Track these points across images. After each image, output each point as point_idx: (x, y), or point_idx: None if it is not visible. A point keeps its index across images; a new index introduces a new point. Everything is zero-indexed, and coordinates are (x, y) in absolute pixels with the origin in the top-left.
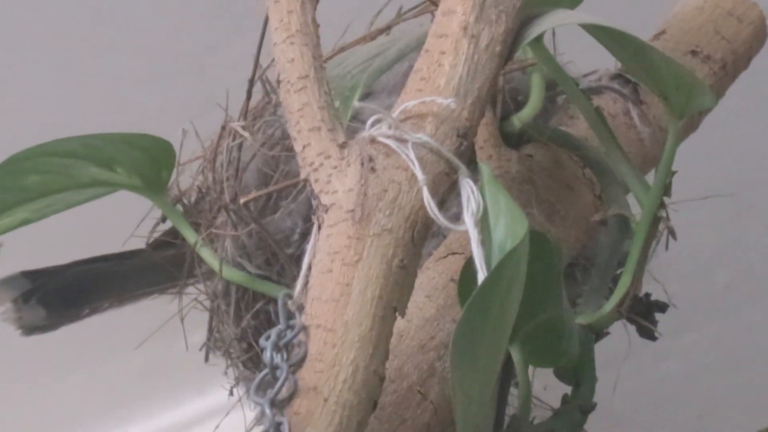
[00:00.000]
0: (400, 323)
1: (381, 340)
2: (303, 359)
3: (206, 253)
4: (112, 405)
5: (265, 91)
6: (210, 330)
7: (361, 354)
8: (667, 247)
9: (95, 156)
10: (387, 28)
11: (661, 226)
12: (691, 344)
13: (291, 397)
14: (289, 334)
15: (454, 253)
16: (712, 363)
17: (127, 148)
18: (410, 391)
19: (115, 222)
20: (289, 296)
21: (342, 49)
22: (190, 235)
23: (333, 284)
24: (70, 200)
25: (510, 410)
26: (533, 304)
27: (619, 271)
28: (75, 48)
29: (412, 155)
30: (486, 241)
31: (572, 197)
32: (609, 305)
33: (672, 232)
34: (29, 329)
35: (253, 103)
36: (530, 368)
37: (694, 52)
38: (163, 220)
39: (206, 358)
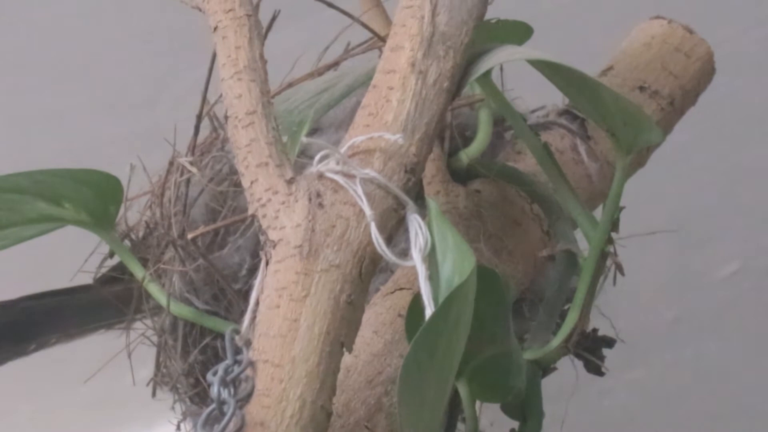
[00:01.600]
0: (347, 358)
1: (328, 376)
2: (250, 394)
3: (154, 289)
4: None
5: (213, 126)
6: (157, 365)
7: (309, 389)
8: (614, 282)
9: (43, 191)
10: (335, 64)
11: (608, 262)
12: (638, 378)
13: None
14: (237, 369)
15: (401, 289)
16: (659, 396)
17: (75, 184)
18: (358, 426)
19: (62, 257)
20: (237, 331)
21: (290, 85)
22: (137, 271)
23: (280, 320)
24: (17, 236)
25: None
26: (481, 340)
27: (566, 307)
28: (23, 77)
29: (360, 191)
30: (434, 276)
31: (520, 233)
32: (556, 340)
33: (620, 268)
34: None
35: (200, 138)
36: (477, 403)
37: (641, 88)
38: (111, 255)
39: (153, 393)
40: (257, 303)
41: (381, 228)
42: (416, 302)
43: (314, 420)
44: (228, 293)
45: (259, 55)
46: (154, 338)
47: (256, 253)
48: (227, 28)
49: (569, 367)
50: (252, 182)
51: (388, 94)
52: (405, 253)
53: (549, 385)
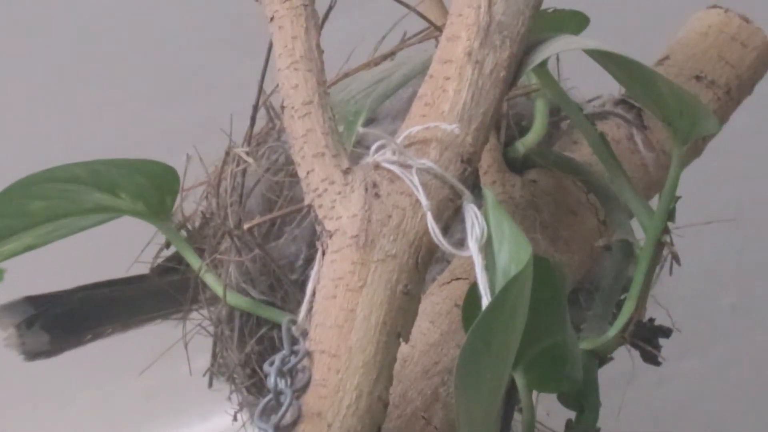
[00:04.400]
0: (404, 349)
1: (385, 366)
2: (307, 385)
3: (210, 279)
4: (116, 429)
5: (269, 116)
6: (214, 355)
7: (365, 380)
8: (671, 272)
9: (99, 182)
10: (391, 54)
11: (665, 251)
12: (694, 368)
13: (295, 423)
14: (293, 359)
15: (458, 279)
16: (715, 386)
17: (131, 174)
18: (414, 417)
19: (118, 248)
20: (293, 322)
21: (346, 75)
22: (194, 261)
23: (337, 310)
24: (74, 226)
25: None
26: (537, 330)
27: (623, 297)
28: (80, 69)
29: (416, 181)
30: (490, 266)
31: (576, 222)
32: (613, 330)
33: (676, 257)
34: (32, 354)
35: (257, 128)
36: (534, 393)
37: (698, 78)
38: (167, 245)
39: (210, 384)
40: (314, 293)
41: (437, 218)
42: (473, 292)
43: (371, 410)
44: (284, 283)
45: (315, 45)
46: (211, 328)
47: (312, 244)
48: (284, 18)
49: (626, 357)
50: (308, 172)
51: (444, 84)
52: (461, 243)
53: (605, 375)
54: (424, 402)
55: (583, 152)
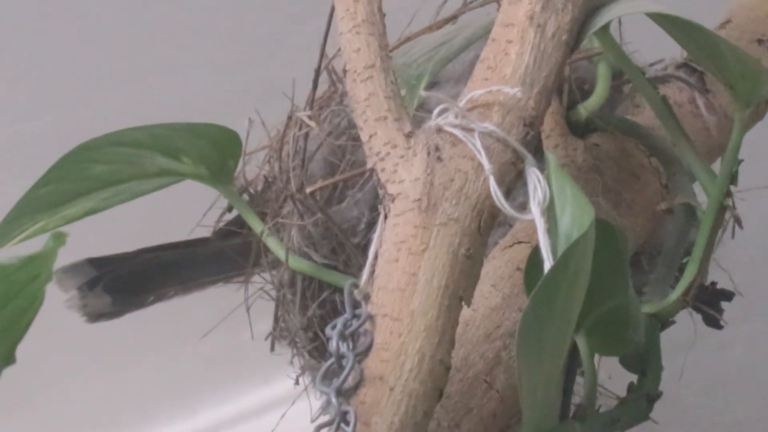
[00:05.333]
0: (465, 312)
1: (447, 330)
2: (369, 348)
3: (272, 243)
4: (177, 393)
5: (331, 80)
6: (276, 319)
7: (427, 343)
8: (733, 236)
9: (162, 146)
10: (453, 17)
11: (727, 215)
12: (757, 332)
13: (357, 387)
14: (355, 323)
15: (520, 243)
16: None
17: (193, 138)
18: (476, 380)
19: (181, 211)
20: (355, 285)
21: (408, 39)
22: (256, 225)
23: (399, 273)
24: (136, 190)
25: (575, 399)
26: (599, 293)
27: (685, 260)
28: (141, 34)
29: (478, 144)
30: (552, 230)
31: (638, 186)
32: (675, 294)
33: (738, 221)
34: (94, 316)
35: (319, 92)
36: (596, 357)
37: (760, 41)
38: (230, 209)
39: (272, 348)
40: (376, 257)
41: (499, 181)
42: (535, 256)
43: (433, 374)
44: (346, 247)
45: (377, 8)
46: (273, 292)
47: (374, 207)
48: None
49: (688, 321)
50: (371, 136)
51: (506, 47)
52: (523, 207)
53: (667, 338)
54: (486, 366)
55: (645, 116)
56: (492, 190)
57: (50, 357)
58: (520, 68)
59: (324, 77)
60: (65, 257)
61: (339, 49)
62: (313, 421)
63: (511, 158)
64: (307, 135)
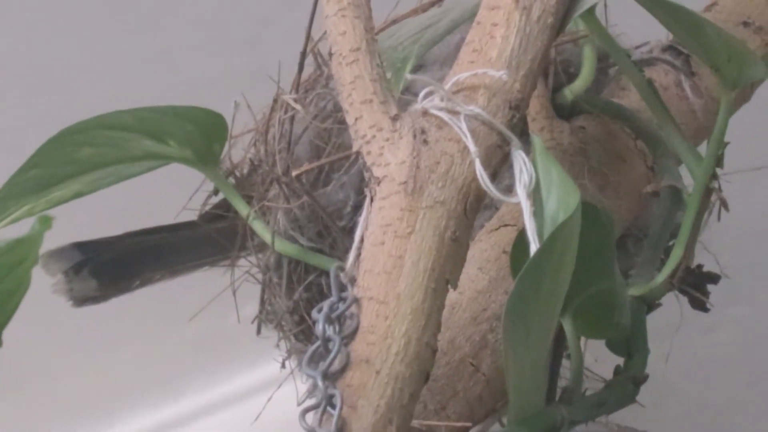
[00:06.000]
0: (452, 295)
1: (433, 313)
2: (355, 331)
3: (258, 226)
4: (164, 377)
5: (316, 63)
6: (262, 303)
7: (414, 326)
8: (719, 218)
9: (147, 129)
10: (439, 0)
11: (713, 198)
12: (742, 315)
13: (343, 370)
14: (342, 306)
15: (506, 225)
16: (763, 333)
17: (179, 121)
18: (462, 363)
19: (167, 195)
20: (341, 269)
21: (394, 22)
22: (242, 208)
23: (385, 256)
24: (122, 173)
25: (562, 382)
26: (585, 276)
27: (671, 243)
28: (127, 18)
29: (464, 127)
30: (538, 212)
31: (624, 169)
32: (661, 277)
33: (724, 203)
34: (80, 300)
35: (304, 75)
36: (582, 340)
37: (745, 24)
38: (216, 192)
39: (258, 331)
40: (362, 240)
41: (485, 164)
42: (521, 238)
43: (419, 357)
44: (332, 230)
45: None
46: (259, 276)
47: (360, 190)
48: None
49: (674, 304)
50: (356, 119)
51: (492, 30)
52: (509, 190)
53: (653, 321)
54: (473, 348)
55: (631, 98)
56: (478, 173)
57: (37, 341)
58: (505, 51)
59: (310, 60)
60: (52, 241)
61: (325, 32)
62: (299, 404)
63: (497, 141)
64: (293, 118)
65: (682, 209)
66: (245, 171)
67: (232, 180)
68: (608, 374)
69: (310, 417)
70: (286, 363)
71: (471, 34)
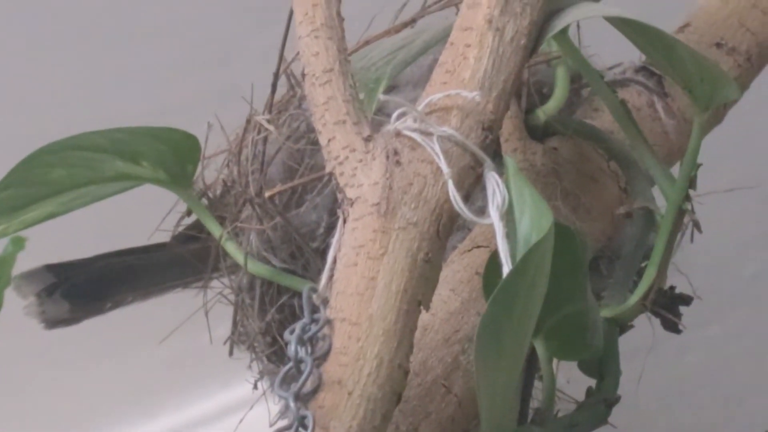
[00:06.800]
0: (424, 317)
1: (405, 334)
2: (327, 353)
3: (231, 247)
4: (136, 397)
5: (290, 84)
6: (234, 324)
7: (386, 347)
8: (692, 240)
9: (121, 150)
10: (412, 21)
11: (686, 219)
12: (715, 336)
13: (315, 391)
14: (314, 327)
15: (479, 247)
16: (736, 354)
17: (152, 142)
18: (435, 385)
19: (140, 216)
20: (314, 290)
21: (367, 43)
22: (215, 229)
23: (358, 278)
24: (95, 194)
25: (534, 403)
26: (558, 298)
27: (644, 264)
28: (100, 38)
29: (437, 148)
30: (511, 234)
31: (597, 190)
32: (634, 298)
33: (697, 225)
34: (52, 323)
35: (278, 96)
36: (554, 361)
37: (718, 45)
38: (188, 213)
39: (230, 352)
40: (335, 261)
41: (458, 185)
42: (493, 260)
43: (391, 378)
44: (305, 251)
45: (336, 12)
46: (231, 297)
47: (333, 211)
48: None
49: (646, 325)
50: (329, 140)
51: (465, 51)
52: (482, 211)
53: (626, 342)
54: (445, 370)
55: (604, 119)
56: (451, 194)
57: (8, 361)
58: (478, 72)
59: (283, 81)
60: (24, 263)
61: (298, 53)
62: (271, 425)
63: (470, 162)
64: (266, 139)
65: (655, 230)
66: (218, 192)
67: (205, 201)
68: (580, 396)
69: None
70: (259, 384)
71: (444, 55)
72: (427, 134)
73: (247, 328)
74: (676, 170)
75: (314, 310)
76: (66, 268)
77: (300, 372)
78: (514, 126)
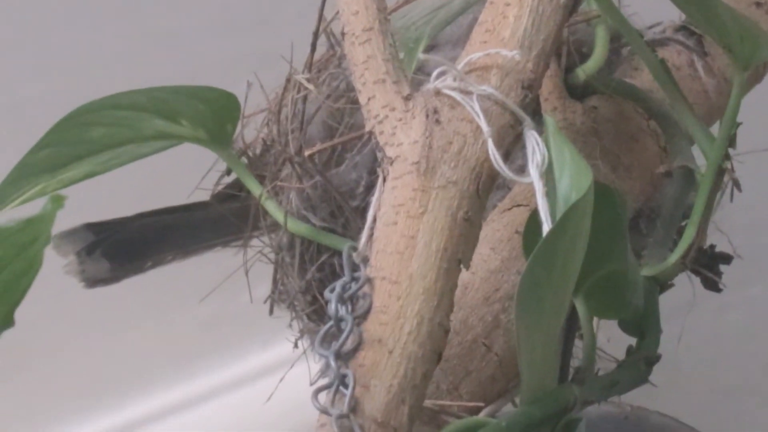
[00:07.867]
0: (464, 275)
1: (445, 293)
2: (368, 311)
3: (271, 206)
4: (176, 357)
5: (329, 43)
6: (274, 282)
7: (426, 306)
8: (732, 199)
9: (160, 109)
10: None
11: (725, 178)
12: (756, 296)
13: (356, 349)
14: (354, 286)
15: (518, 205)
16: None
17: (192, 101)
18: (475, 343)
19: (179, 175)
20: (354, 248)
21: (407, 2)
22: (254, 188)
23: (398, 236)
24: (134, 153)
25: (574, 362)
26: (598, 256)
27: (684, 223)
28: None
29: (476, 107)
30: (551, 193)
31: (637, 149)
32: (674, 257)
33: (737, 184)
34: (92, 282)
35: (317, 55)
36: (595, 320)
37: (758, 4)
38: (228, 172)
39: (271, 311)
40: (374, 220)
41: (498, 144)
42: (533, 219)
43: (432, 337)
44: (345, 210)
45: None
46: (272, 256)
47: (373, 170)
48: None
49: (686, 284)
50: (369, 99)
51: (504, 10)
52: (522, 170)
53: (666, 301)
54: (485, 329)
55: (643, 79)
56: (491, 152)
57: (49, 322)
58: (518, 31)
59: (322, 40)
60: (63, 221)
61: (337, 12)
62: (312, 384)
63: (510, 121)
64: (305, 98)
65: (695, 189)
66: (258, 151)
67: (244, 160)
68: (621, 354)
69: (323, 397)
70: (299, 343)
71: (484, 14)
72: (467, 93)
73: (288, 286)
74: (715, 129)
75: (354, 268)
76: (106, 227)
77: (340, 330)
78: (553, 85)
